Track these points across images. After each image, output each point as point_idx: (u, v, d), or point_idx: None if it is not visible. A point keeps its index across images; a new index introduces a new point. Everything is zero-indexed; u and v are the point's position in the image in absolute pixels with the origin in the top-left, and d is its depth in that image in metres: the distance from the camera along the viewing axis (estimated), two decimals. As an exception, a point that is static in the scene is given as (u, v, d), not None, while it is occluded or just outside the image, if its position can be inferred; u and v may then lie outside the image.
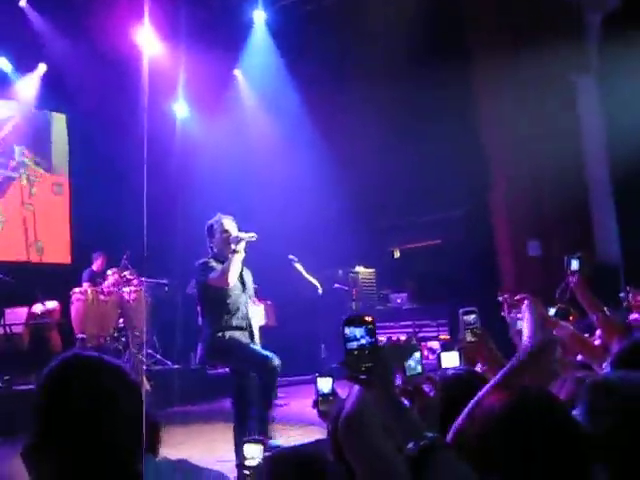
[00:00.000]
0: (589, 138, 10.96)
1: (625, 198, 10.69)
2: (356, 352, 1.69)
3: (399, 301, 11.39)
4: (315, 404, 2.53)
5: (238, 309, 5.43)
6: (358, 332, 1.71)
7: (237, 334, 5.38)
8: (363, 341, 1.70)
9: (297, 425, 7.28)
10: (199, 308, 5.70)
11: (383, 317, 10.45)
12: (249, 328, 5.53)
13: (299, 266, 8.68)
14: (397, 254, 12.65)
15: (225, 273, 5.23)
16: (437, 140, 10.57)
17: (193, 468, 1.58)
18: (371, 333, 1.71)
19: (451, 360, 2.77)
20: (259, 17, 12.22)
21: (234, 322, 5.39)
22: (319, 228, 11.32)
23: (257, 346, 5.50)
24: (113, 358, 1.46)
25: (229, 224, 5.45)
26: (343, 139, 11.50)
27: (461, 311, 2.65)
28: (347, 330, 1.71)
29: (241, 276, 5.49)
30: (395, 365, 1.96)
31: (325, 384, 2.54)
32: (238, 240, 5.29)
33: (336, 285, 10.71)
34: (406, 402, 2.30)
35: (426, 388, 2.43)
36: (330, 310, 9.86)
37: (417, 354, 2.26)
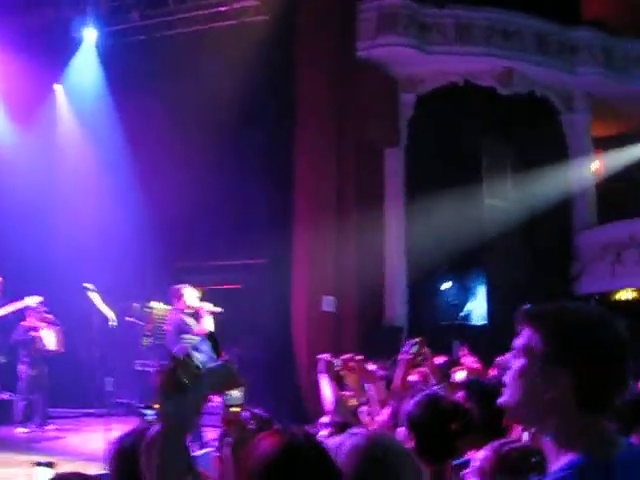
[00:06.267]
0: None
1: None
2: None
3: (192, 340, 11.32)
4: None
5: None
6: None
7: None
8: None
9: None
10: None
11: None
12: None
13: (93, 295, 8.42)
14: (197, 294, 12.61)
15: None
16: (248, 195, 10.94)
17: None
18: None
19: None
20: (89, 36, 11.97)
21: None
22: (123, 260, 11.08)
23: None
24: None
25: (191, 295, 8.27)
26: (154, 172, 11.36)
27: None
28: None
29: None
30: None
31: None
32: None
33: (128, 318, 10.47)
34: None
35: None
36: (121, 343, 9.64)
37: None
